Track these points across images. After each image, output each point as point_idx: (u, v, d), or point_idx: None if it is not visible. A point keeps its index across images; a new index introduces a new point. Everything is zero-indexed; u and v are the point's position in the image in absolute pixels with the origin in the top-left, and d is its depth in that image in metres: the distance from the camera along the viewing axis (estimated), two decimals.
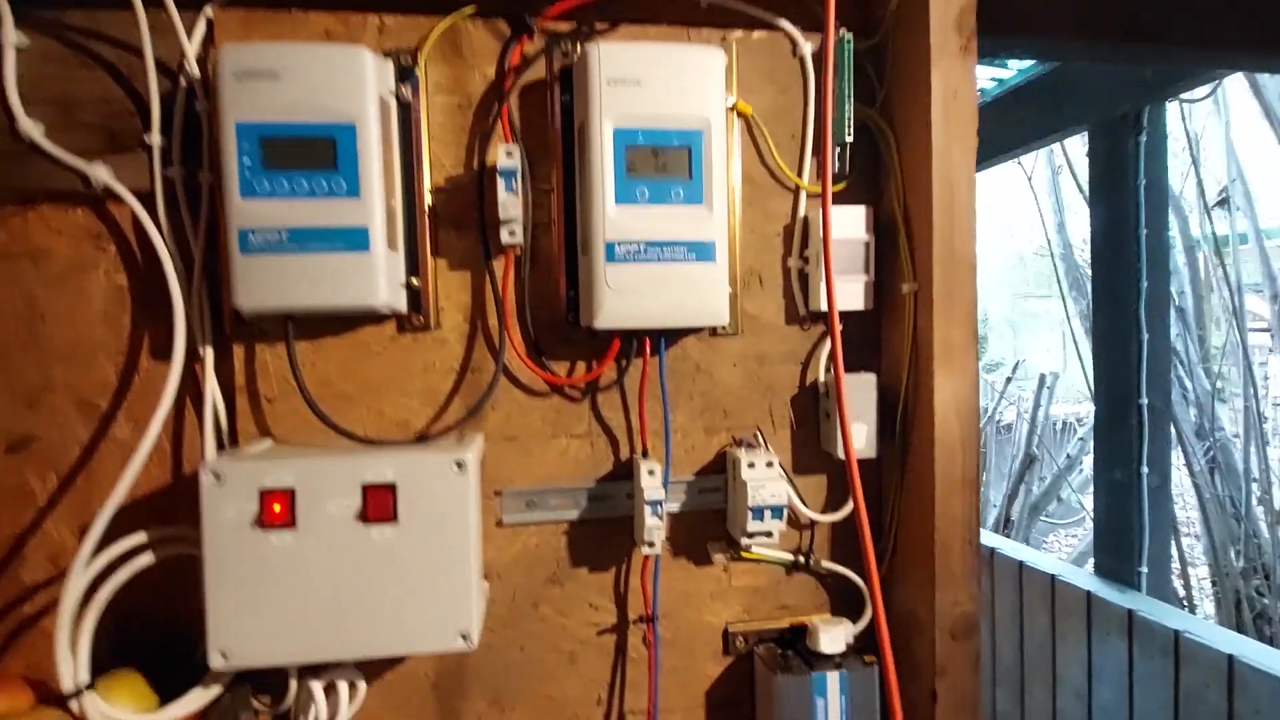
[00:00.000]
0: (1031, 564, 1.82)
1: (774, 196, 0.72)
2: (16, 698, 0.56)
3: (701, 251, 0.63)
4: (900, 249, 0.69)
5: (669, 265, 0.62)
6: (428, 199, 0.66)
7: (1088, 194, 1.74)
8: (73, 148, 0.62)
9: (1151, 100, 1.62)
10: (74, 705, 0.53)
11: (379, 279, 0.59)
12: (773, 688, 0.68)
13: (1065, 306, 2.86)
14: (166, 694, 0.61)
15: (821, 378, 0.73)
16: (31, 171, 0.62)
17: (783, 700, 0.67)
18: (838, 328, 0.56)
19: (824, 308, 0.70)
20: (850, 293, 0.71)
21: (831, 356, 0.58)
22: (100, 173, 0.62)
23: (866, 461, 0.73)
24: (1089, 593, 1.65)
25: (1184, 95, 1.73)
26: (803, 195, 0.72)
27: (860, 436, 0.70)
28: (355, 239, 0.58)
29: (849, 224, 0.70)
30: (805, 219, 0.72)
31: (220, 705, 0.61)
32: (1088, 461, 3.90)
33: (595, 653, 0.73)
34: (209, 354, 0.65)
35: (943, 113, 0.64)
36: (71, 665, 0.54)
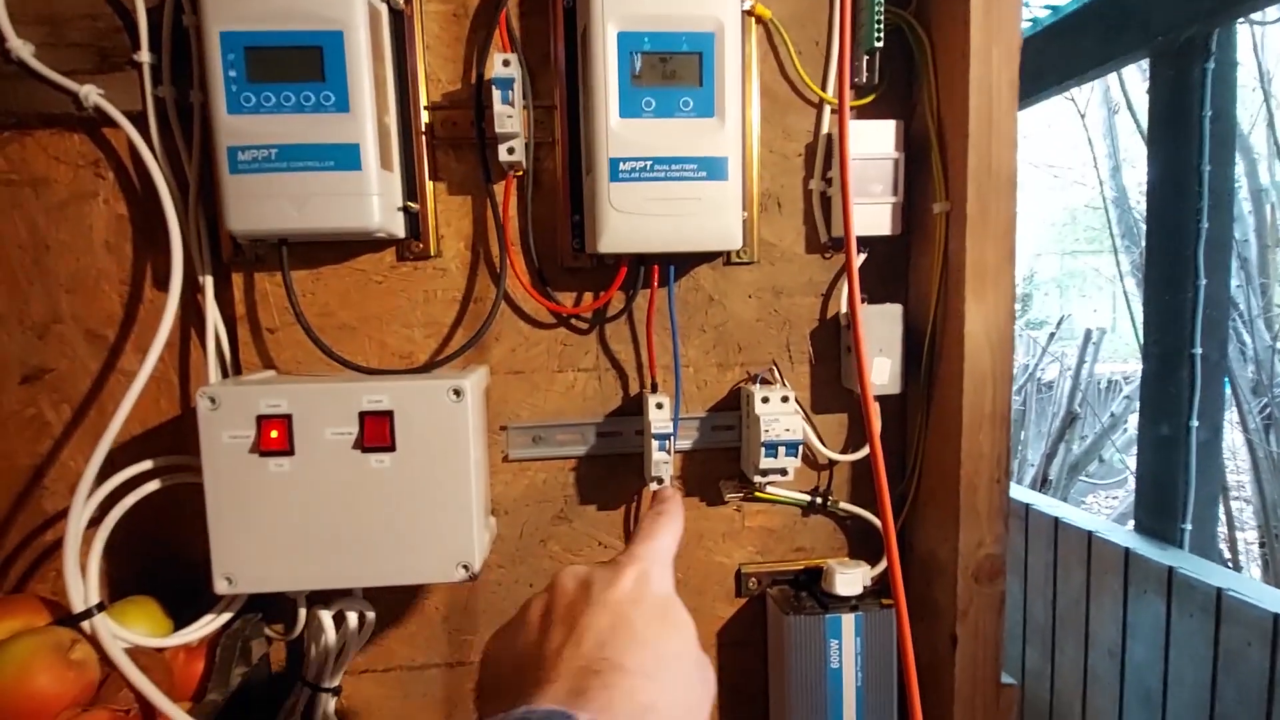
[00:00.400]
0: (1067, 520, 1.77)
1: (794, 112, 0.67)
2: (34, 616, 0.57)
3: (713, 169, 0.58)
4: (933, 166, 0.64)
5: (677, 184, 0.58)
6: (424, 117, 0.62)
7: (1147, 127, 1.61)
8: (63, 68, 0.61)
9: (1219, 21, 1.48)
10: (86, 626, 0.54)
11: (373, 200, 0.56)
12: (785, 629, 0.66)
13: (1116, 257, 2.71)
14: (184, 622, 0.62)
15: (844, 309, 0.69)
16: (23, 94, 0.61)
17: (795, 642, 0.66)
18: (854, 248, 0.51)
19: None
20: (876, 217, 0.66)
21: (848, 280, 0.54)
22: (91, 93, 0.60)
23: (891, 398, 0.69)
24: (1127, 550, 1.60)
25: (1254, 15, 1.58)
26: (827, 110, 0.67)
27: (884, 371, 0.66)
28: (346, 157, 0.55)
29: (876, 140, 0.65)
30: (829, 136, 0.67)
31: (232, 631, 0.62)
32: (1132, 420, 3.76)
33: None
34: (209, 283, 0.64)
35: (983, 7, 0.58)
36: (81, 587, 0.54)
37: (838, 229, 0.67)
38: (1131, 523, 1.75)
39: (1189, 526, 1.62)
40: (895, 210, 0.67)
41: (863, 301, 0.69)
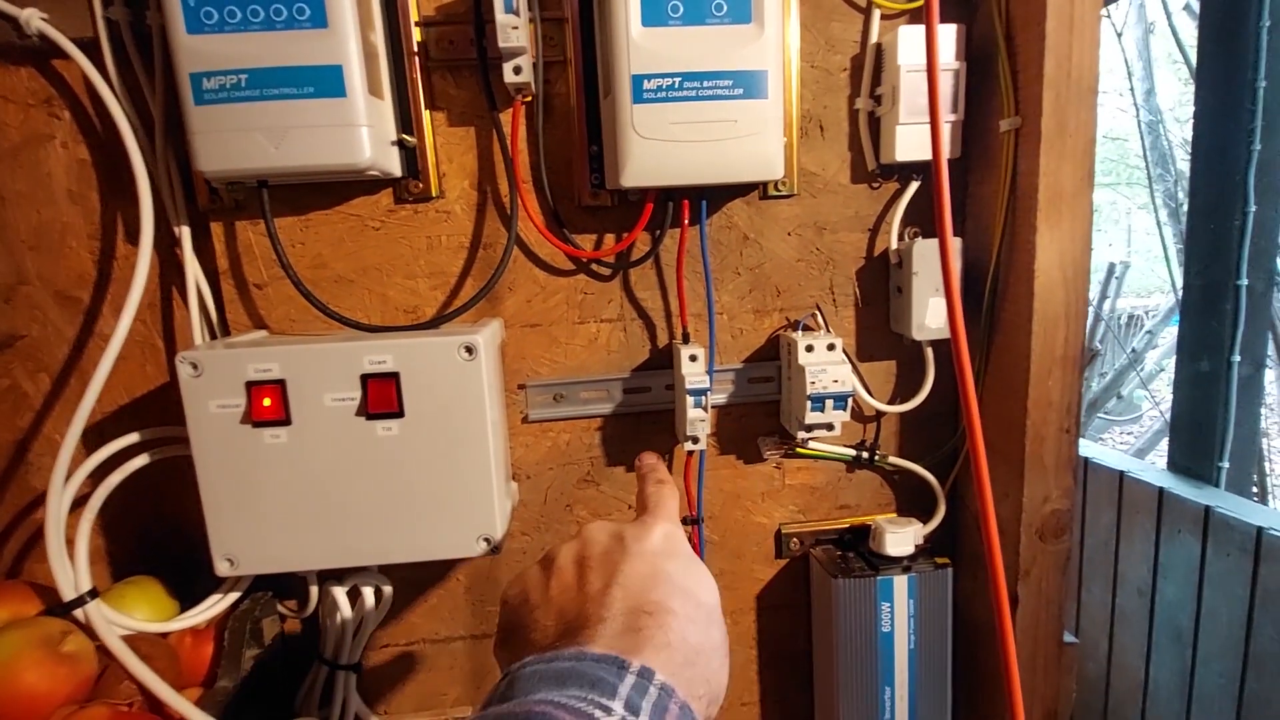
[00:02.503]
0: (1097, 460, 1.72)
1: (839, 18, 0.59)
2: (23, 604, 0.53)
3: (750, 85, 0.50)
4: (999, 76, 0.55)
5: (710, 104, 0.50)
6: (415, 35, 0.54)
7: (1197, 38, 1.49)
8: None
9: None
10: (80, 614, 0.50)
11: (361, 132, 0.49)
12: (832, 592, 0.61)
13: (1150, 185, 2.57)
14: (191, 601, 0.58)
15: (894, 245, 0.62)
16: None
17: (844, 605, 0.61)
18: (945, 172, 0.43)
19: (899, 159, 0.58)
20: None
21: (935, 207, 0.47)
22: (33, 18, 0.52)
23: (944, 343, 0.63)
24: (1161, 489, 1.55)
25: None
26: (875, 15, 0.58)
27: (939, 313, 0.60)
28: (328, 81, 0.47)
29: None
30: (879, 47, 0.58)
31: (240, 611, 0.58)
32: (1152, 356, 3.68)
33: None
34: (186, 234, 0.57)
35: None
36: (70, 572, 0.50)
37: (888, 154, 0.59)
38: (1153, 459, 1.70)
39: (1226, 465, 1.57)
40: (954, 130, 0.59)
41: (915, 235, 0.62)
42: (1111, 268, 3.32)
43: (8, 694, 0.43)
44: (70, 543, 0.52)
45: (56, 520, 0.49)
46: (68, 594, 0.49)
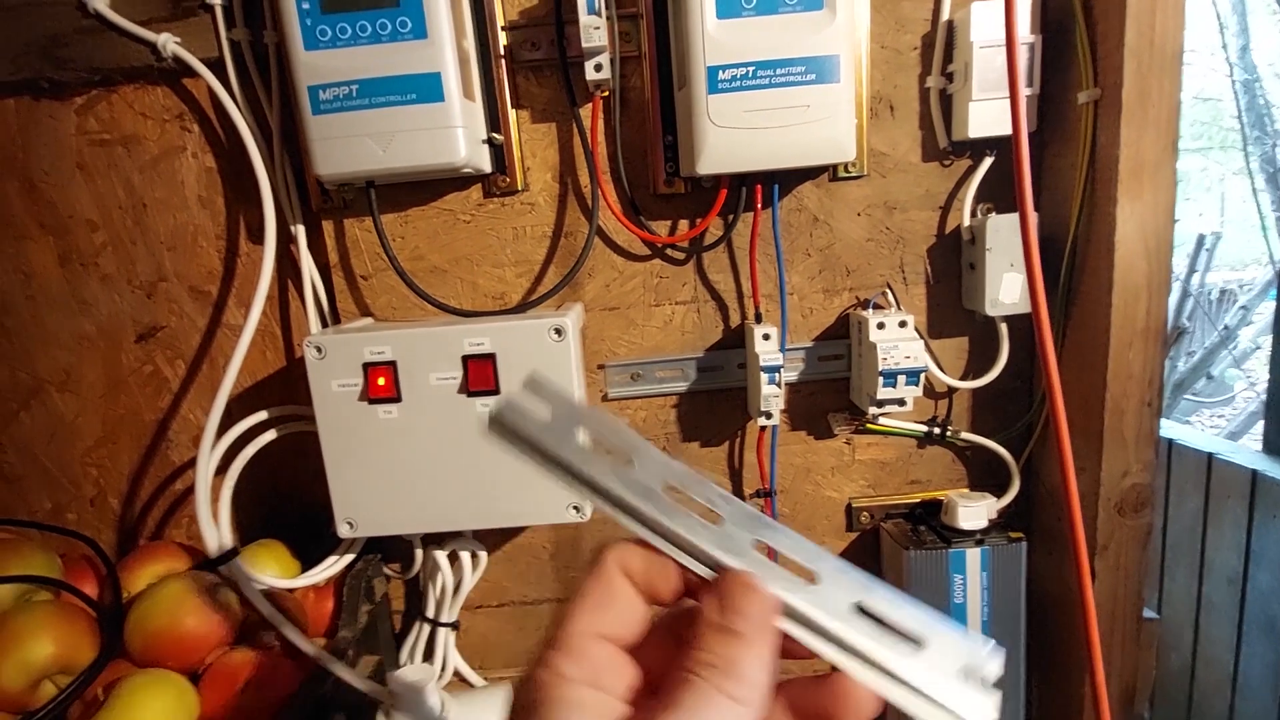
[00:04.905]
0: (1183, 442, 1.64)
1: None
2: (175, 561, 0.60)
3: (822, 70, 0.52)
4: (1077, 47, 0.55)
5: (783, 91, 0.52)
6: (501, 39, 0.58)
7: None
8: (138, 18, 0.59)
9: None
10: (224, 569, 0.57)
11: (457, 133, 0.53)
12: (904, 564, 0.63)
13: (1245, 148, 2.40)
14: (309, 563, 0.65)
15: (966, 221, 0.62)
16: (105, 47, 0.60)
17: (915, 577, 0.63)
18: (1025, 145, 0.44)
19: (973, 135, 0.59)
20: (1008, 113, 0.58)
21: (1016, 181, 0.48)
22: (168, 42, 0.59)
23: (1019, 319, 0.63)
24: (1255, 472, 1.47)
25: None
26: None
27: (1014, 288, 0.60)
28: (428, 88, 0.52)
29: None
30: (950, 24, 0.59)
31: (355, 571, 0.64)
32: (1246, 333, 3.44)
33: None
34: (301, 233, 0.63)
35: None
36: (216, 533, 0.57)
37: (960, 131, 0.60)
38: (1245, 443, 1.61)
39: None
40: (1030, 104, 0.59)
41: (988, 211, 0.62)
42: (1201, 239, 3.11)
43: (174, 636, 0.50)
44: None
45: (205, 486, 0.56)
46: (214, 551, 0.56)
